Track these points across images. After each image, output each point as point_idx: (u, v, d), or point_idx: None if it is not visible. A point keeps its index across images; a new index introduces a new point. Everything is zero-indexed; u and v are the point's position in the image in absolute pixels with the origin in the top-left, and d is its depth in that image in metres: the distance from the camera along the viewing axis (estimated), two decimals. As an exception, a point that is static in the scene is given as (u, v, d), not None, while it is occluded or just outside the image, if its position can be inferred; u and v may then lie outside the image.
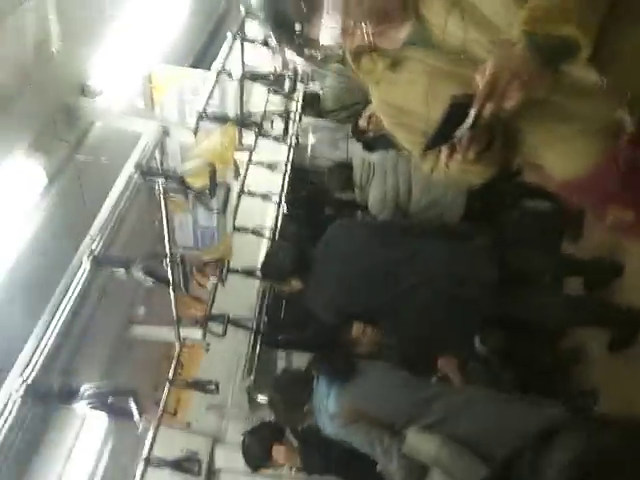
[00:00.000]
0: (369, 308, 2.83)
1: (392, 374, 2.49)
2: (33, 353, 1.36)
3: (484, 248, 2.72)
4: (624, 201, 1.43)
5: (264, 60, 4.44)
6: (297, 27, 1.33)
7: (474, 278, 2.58)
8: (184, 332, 2.71)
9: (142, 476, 2.30)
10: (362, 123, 4.06)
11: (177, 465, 2.40)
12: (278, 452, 2.68)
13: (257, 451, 2.70)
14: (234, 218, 3.22)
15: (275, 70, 4.17)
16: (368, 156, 3.60)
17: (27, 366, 1.32)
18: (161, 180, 1.84)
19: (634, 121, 1.28)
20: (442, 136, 1.26)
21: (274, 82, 4.04)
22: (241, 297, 3.46)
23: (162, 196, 1.91)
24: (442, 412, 2.21)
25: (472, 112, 1.18)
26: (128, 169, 2.05)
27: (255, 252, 3.75)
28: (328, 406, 2.33)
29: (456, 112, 1.20)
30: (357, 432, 2.25)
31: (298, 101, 4.65)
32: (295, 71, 3.45)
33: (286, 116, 3.46)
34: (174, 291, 2.13)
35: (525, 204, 3.49)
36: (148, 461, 2.32)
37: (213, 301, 2.93)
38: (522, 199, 3.48)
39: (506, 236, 3.28)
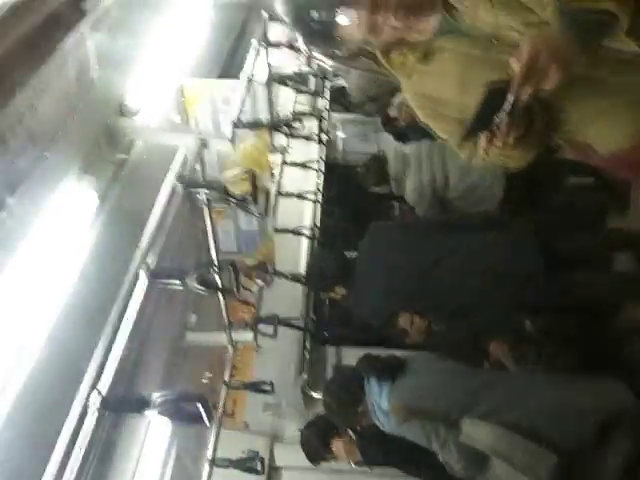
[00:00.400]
0: (414, 309, 2.85)
1: (442, 365, 2.48)
2: (103, 366, 1.43)
3: (526, 237, 2.69)
4: None
5: (286, 59, 4.48)
6: (324, 28, 1.35)
7: (519, 270, 2.56)
8: (235, 335, 2.78)
9: (209, 477, 2.37)
10: (392, 113, 4.05)
11: (241, 465, 2.46)
12: (337, 446, 2.73)
13: (316, 444, 2.75)
14: (274, 220, 3.27)
15: (300, 69, 4.21)
16: (401, 147, 3.60)
17: (99, 378, 1.39)
18: (204, 191, 1.89)
19: None
20: (481, 123, 1.27)
21: (300, 81, 4.08)
22: (287, 297, 3.50)
23: (207, 207, 1.96)
24: (496, 400, 2.20)
25: (510, 97, 1.18)
26: (169, 182, 2.12)
27: (297, 252, 3.80)
28: (381, 405, 2.34)
29: (493, 98, 1.21)
30: (412, 428, 2.25)
31: (326, 98, 4.68)
32: (321, 69, 3.47)
33: (319, 115, 3.48)
34: (224, 298, 2.18)
35: (567, 181, 3.42)
36: (213, 462, 2.39)
37: (260, 303, 2.99)
38: (563, 177, 3.42)
39: (549, 217, 3.23)
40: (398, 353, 2.68)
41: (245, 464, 2.49)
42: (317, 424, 2.82)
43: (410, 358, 2.53)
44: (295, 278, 3.16)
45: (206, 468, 2.40)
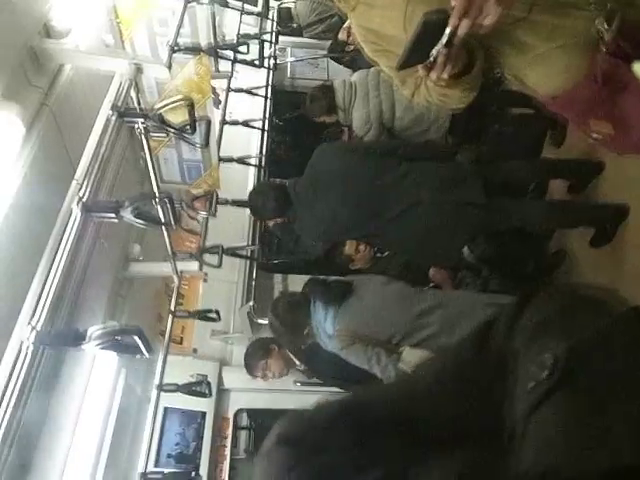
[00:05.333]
0: (360, 235, 2.89)
1: (387, 289, 2.52)
2: (37, 301, 1.42)
3: (470, 168, 2.74)
4: (603, 115, 1.44)
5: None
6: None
7: (462, 200, 2.62)
8: (181, 265, 2.78)
9: (157, 402, 2.45)
10: (341, 36, 3.97)
11: (188, 389, 2.54)
12: (276, 359, 2.84)
13: (255, 356, 2.86)
14: (218, 149, 3.21)
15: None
16: (349, 77, 3.54)
17: (34, 314, 1.39)
18: (140, 120, 1.83)
19: (612, 31, 1.27)
20: (416, 54, 1.23)
21: (245, 2, 3.88)
22: (233, 226, 3.51)
23: (143, 136, 1.90)
24: (437, 325, 2.27)
25: (447, 30, 1.16)
26: (105, 111, 2.03)
27: (243, 181, 3.77)
28: (326, 328, 2.37)
29: (430, 29, 1.18)
30: (355, 352, 2.30)
31: (273, 20, 4.48)
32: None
33: (261, 38, 3.35)
34: (166, 229, 2.17)
35: (510, 112, 3.47)
36: (161, 387, 2.46)
37: (206, 233, 2.99)
38: (507, 107, 3.46)
39: (490, 147, 3.29)
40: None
41: (193, 388, 2.57)
42: (259, 340, 2.93)
43: (357, 282, 2.54)
44: (238, 203, 3.14)
45: (154, 393, 2.46)
